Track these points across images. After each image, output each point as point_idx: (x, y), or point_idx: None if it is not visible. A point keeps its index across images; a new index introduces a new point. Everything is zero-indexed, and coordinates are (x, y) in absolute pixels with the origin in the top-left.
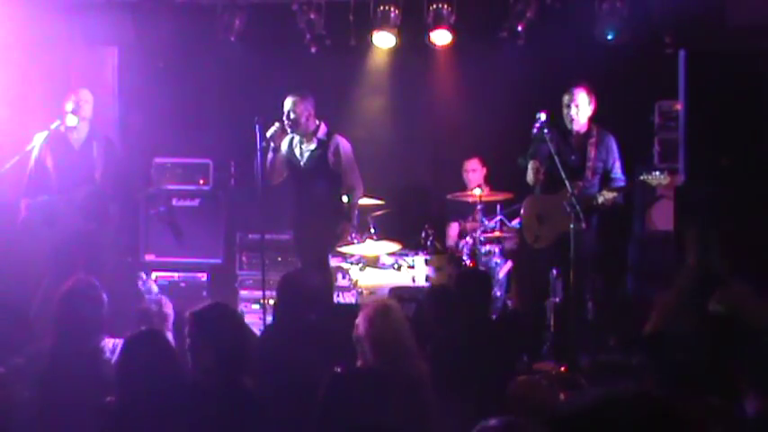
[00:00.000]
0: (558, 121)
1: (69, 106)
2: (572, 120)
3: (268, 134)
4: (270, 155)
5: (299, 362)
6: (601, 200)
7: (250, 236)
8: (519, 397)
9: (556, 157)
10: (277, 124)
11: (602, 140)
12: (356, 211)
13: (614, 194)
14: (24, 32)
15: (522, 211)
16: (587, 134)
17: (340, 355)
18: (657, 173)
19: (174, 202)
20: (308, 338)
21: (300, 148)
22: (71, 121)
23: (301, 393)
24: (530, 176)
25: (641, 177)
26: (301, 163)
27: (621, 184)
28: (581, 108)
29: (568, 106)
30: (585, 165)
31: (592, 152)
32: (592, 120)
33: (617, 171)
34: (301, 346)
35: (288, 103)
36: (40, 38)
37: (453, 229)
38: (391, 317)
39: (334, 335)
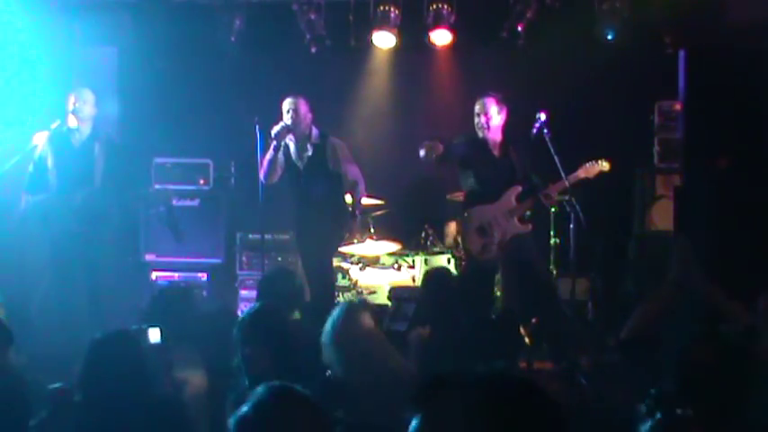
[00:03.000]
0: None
1: (69, 107)
2: (485, 129)
3: (273, 131)
4: (271, 152)
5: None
6: (552, 194)
7: (250, 236)
8: None
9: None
10: (282, 123)
11: (516, 148)
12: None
13: (552, 192)
14: (25, 32)
15: (457, 230)
16: (504, 142)
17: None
18: (595, 161)
19: (174, 202)
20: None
21: (298, 154)
22: (71, 121)
23: None
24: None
25: (585, 167)
26: (301, 168)
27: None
28: (492, 118)
29: (478, 116)
30: (515, 170)
31: (515, 158)
32: (505, 128)
33: (534, 177)
34: None
35: (288, 102)
36: (40, 38)
37: (451, 228)
38: (355, 321)
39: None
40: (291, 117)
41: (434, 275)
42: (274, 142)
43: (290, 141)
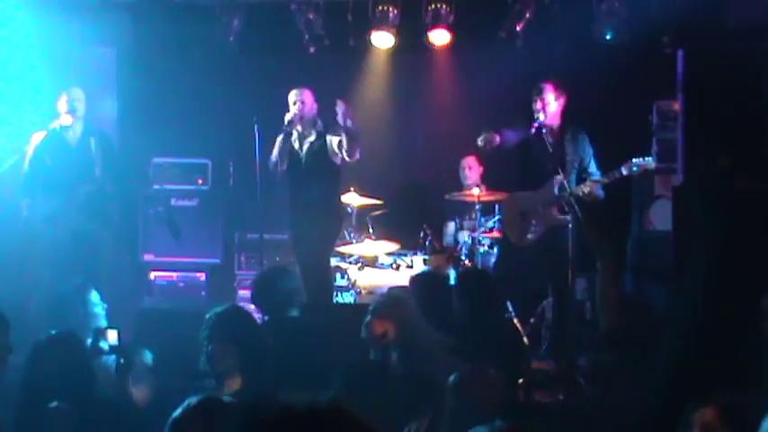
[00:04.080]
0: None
1: (63, 106)
2: (542, 114)
3: (286, 119)
4: (282, 140)
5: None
6: (587, 190)
7: (249, 236)
8: (466, 385)
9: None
10: (293, 112)
11: (575, 137)
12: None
13: (595, 185)
14: (24, 32)
15: (502, 210)
16: (561, 130)
17: (322, 353)
18: (641, 159)
19: (173, 201)
20: (285, 336)
21: (300, 142)
22: (65, 120)
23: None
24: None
25: (630, 164)
26: (301, 156)
27: (599, 177)
28: (548, 103)
29: (535, 101)
30: (565, 160)
31: (567, 147)
32: (563, 115)
33: (593, 167)
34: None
35: (294, 93)
36: (40, 38)
37: (450, 228)
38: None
39: (313, 334)
40: (299, 108)
41: (424, 279)
42: (286, 129)
43: (294, 133)
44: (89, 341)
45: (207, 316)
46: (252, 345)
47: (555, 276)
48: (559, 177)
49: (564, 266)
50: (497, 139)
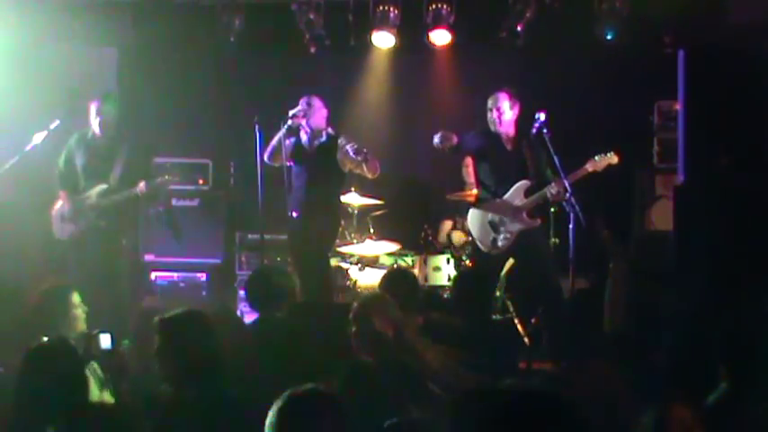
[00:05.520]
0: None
1: (94, 116)
2: (496, 123)
3: (291, 112)
4: (282, 131)
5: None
6: (554, 191)
7: (249, 236)
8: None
9: (555, 154)
10: (299, 107)
11: (531, 143)
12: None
13: (562, 185)
14: (24, 32)
15: (469, 226)
16: (518, 137)
17: (316, 354)
18: (603, 154)
19: (174, 202)
20: (276, 336)
21: (310, 142)
22: (96, 127)
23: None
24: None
25: (594, 161)
26: (310, 156)
27: (555, 179)
28: (503, 112)
29: (491, 110)
30: (527, 165)
31: (528, 153)
32: (518, 122)
33: (548, 173)
34: (270, 343)
35: (304, 97)
36: (40, 38)
37: (446, 225)
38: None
39: (306, 334)
40: (306, 106)
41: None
42: (289, 122)
43: (303, 133)
44: (81, 347)
45: (154, 320)
46: (202, 349)
47: (537, 278)
48: (525, 182)
49: (542, 268)
50: (455, 139)
